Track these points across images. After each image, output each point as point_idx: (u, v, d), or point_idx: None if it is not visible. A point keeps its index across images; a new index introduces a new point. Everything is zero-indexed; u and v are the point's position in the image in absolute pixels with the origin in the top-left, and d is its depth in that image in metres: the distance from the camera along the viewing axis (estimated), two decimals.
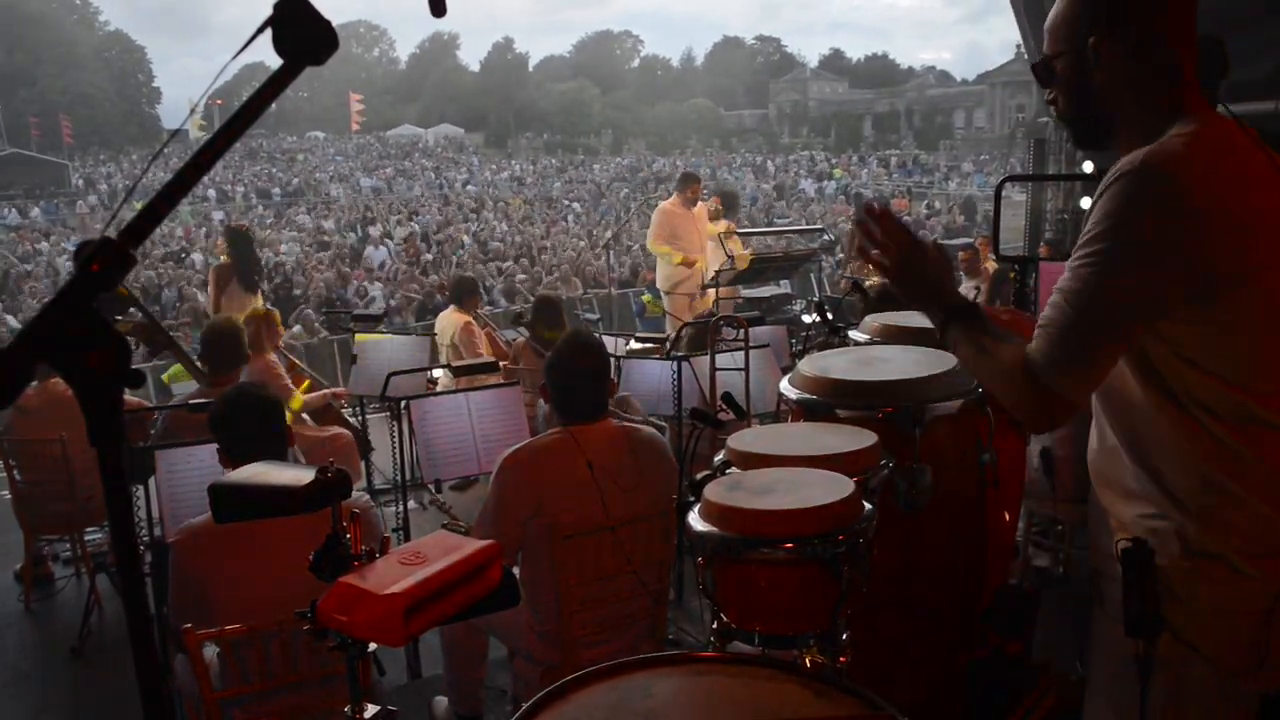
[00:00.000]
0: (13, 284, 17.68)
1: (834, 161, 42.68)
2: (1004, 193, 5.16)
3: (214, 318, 5.17)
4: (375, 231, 23.15)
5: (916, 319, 2.91)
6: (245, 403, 2.65)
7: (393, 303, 13.96)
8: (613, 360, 3.54)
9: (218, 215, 29.14)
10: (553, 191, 35.35)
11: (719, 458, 2.15)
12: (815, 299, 8.10)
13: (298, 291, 14.83)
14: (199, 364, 4.43)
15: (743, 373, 4.44)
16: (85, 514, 4.60)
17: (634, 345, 5.86)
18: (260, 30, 0.84)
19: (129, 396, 4.08)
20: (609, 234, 14.98)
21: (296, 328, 11.47)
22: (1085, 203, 8.81)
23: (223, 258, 7.40)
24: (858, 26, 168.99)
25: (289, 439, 2.73)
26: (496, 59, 74.60)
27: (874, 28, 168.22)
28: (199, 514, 2.48)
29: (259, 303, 6.79)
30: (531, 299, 8.17)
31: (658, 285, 8.32)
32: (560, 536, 2.59)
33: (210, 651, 2.30)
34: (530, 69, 74.96)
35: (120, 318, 4.62)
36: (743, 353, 4.47)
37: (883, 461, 2.09)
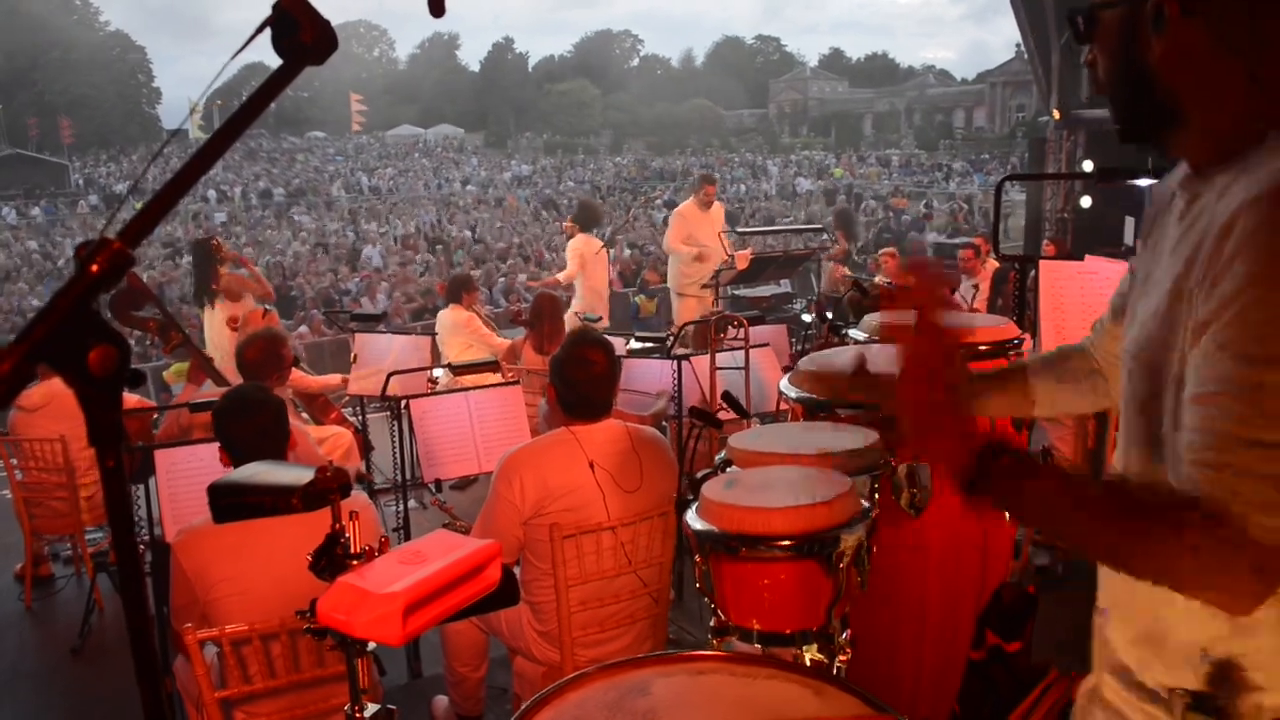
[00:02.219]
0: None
1: (834, 161, 42.70)
2: (1004, 191, 5.16)
3: (256, 331, 5.02)
4: (374, 231, 23.15)
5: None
6: (250, 403, 2.65)
7: (384, 299, 13.96)
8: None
9: (219, 216, 29.16)
10: (556, 190, 35.30)
11: (720, 456, 2.15)
12: (815, 298, 8.10)
13: (296, 293, 14.84)
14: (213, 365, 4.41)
15: (743, 372, 4.44)
16: (85, 513, 4.60)
17: (634, 345, 5.86)
18: (259, 30, 0.83)
19: (129, 395, 4.09)
20: (608, 233, 14.97)
21: (302, 328, 11.47)
22: (1086, 201, 8.81)
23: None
24: (862, 25, 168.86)
25: (291, 440, 2.73)
26: (496, 59, 74.53)
27: (877, 26, 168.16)
28: (199, 514, 2.48)
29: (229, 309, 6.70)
30: (530, 298, 8.14)
31: (669, 286, 8.34)
32: (561, 536, 2.60)
33: (210, 652, 2.30)
34: (530, 69, 74.93)
35: (139, 313, 4.62)
36: (743, 352, 4.47)
37: (883, 460, 2.09)
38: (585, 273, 7.85)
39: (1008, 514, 1.11)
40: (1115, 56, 1.17)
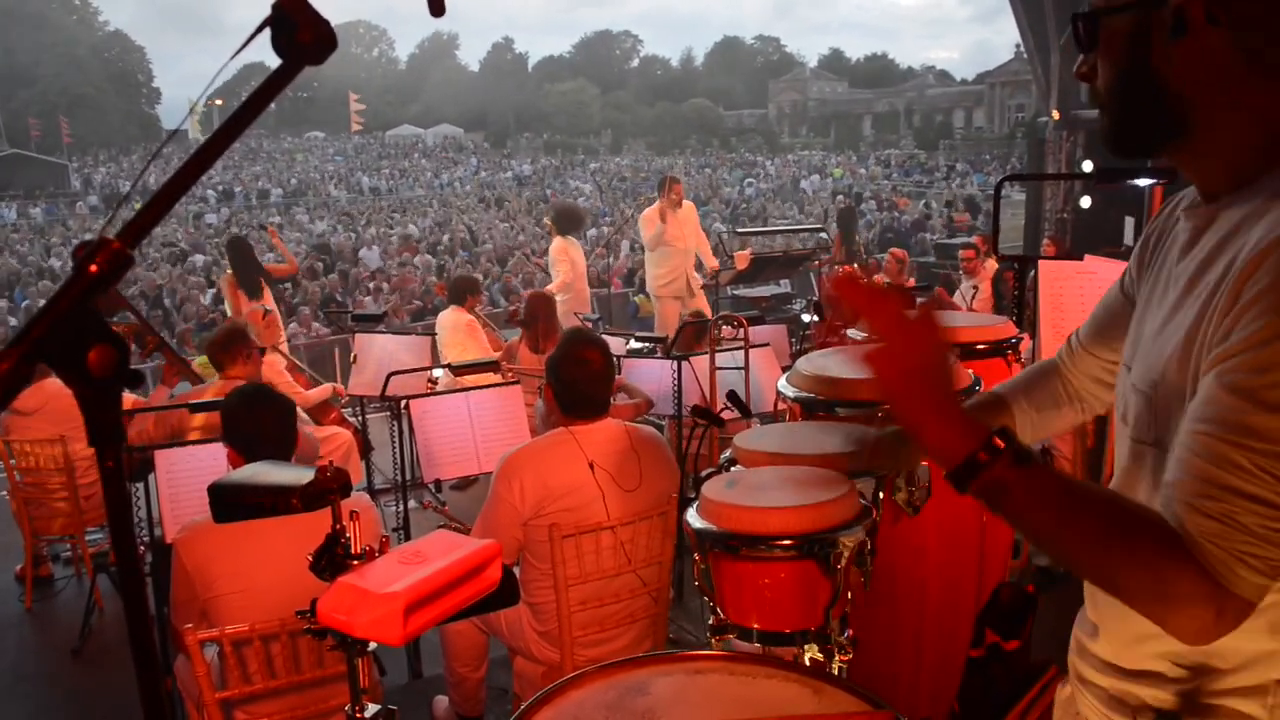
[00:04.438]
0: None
1: (834, 161, 42.72)
2: (1003, 191, 5.16)
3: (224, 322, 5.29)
4: (373, 232, 23.15)
5: None
6: (262, 402, 2.65)
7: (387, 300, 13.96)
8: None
9: (220, 215, 29.17)
10: (562, 190, 35.22)
11: (725, 455, 2.16)
12: (814, 298, 8.10)
13: (296, 293, 14.83)
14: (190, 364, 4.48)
15: (742, 372, 4.44)
16: (85, 514, 4.60)
17: (633, 344, 5.86)
18: (258, 31, 0.83)
19: (128, 396, 4.10)
20: (609, 233, 15.00)
21: (293, 325, 11.47)
22: (1085, 201, 8.81)
23: (227, 270, 7.44)
24: (869, 26, 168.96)
25: (298, 440, 2.74)
26: (496, 59, 74.60)
27: (883, 27, 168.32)
28: (199, 514, 2.48)
29: (263, 305, 6.84)
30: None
31: (647, 289, 8.31)
32: (560, 536, 2.60)
33: (210, 652, 2.30)
34: (530, 69, 74.98)
35: (112, 320, 4.62)
36: (743, 352, 4.47)
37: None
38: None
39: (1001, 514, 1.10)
40: (1120, 65, 1.10)
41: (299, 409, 4.05)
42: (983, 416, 1.46)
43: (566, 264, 7.68)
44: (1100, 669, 1.21)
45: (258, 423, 2.59)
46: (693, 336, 5.32)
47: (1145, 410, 1.14)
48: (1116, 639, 1.18)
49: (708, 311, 7.39)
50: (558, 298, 7.09)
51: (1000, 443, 1.05)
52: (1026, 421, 1.49)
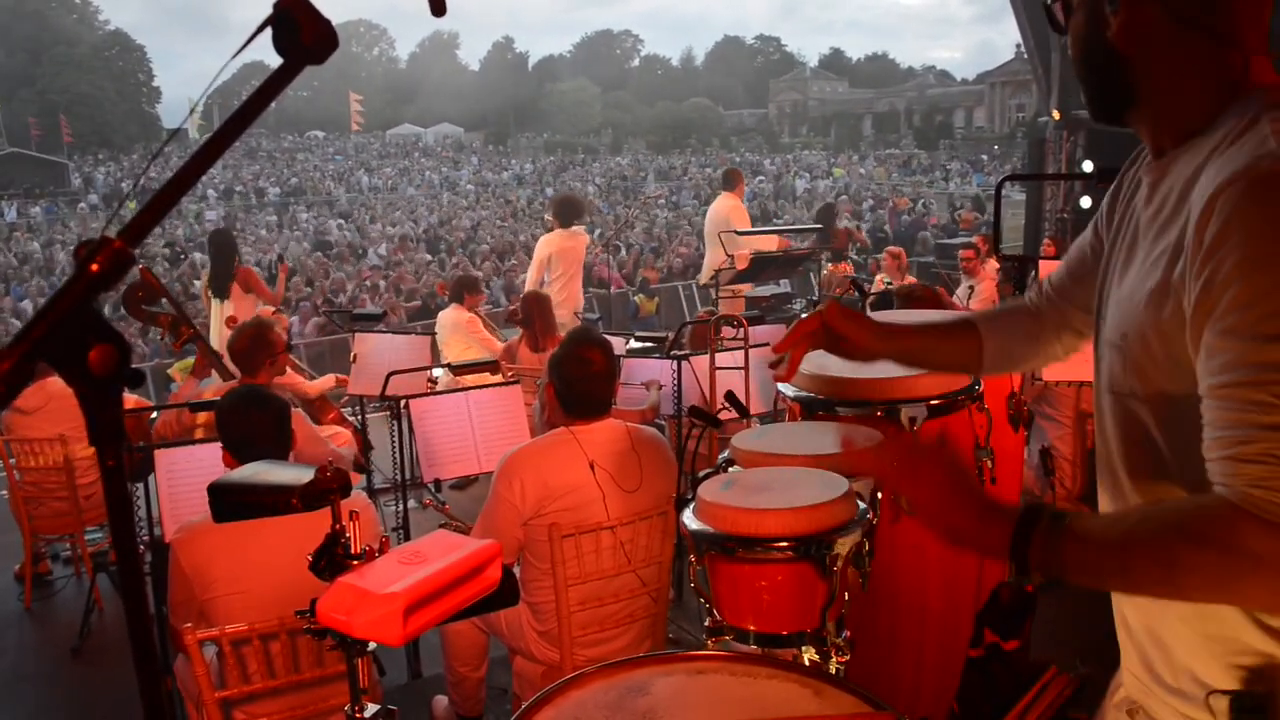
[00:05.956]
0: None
1: (834, 161, 42.72)
2: (1003, 191, 5.16)
3: (244, 322, 5.13)
4: (374, 230, 23.15)
5: (915, 318, 2.90)
6: (256, 404, 2.65)
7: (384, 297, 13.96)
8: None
9: (217, 214, 29.16)
10: (561, 189, 35.20)
11: (723, 456, 2.15)
12: (814, 298, 8.10)
13: (294, 292, 14.83)
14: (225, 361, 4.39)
15: (742, 372, 4.44)
16: (85, 513, 4.60)
17: (634, 344, 5.86)
18: (259, 30, 0.83)
19: (129, 396, 4.09)
20: (609, 233, 15.01)
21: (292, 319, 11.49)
22: (1085, 201, 8.81)
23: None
24: (870, 25, 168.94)
25: (294, 440, 2.74)
26: (497, 58, 74.61)
27: (886, 25, 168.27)
28: (199, 514, 2.48)
29: (234, 307, 6.72)
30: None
31: (701, 279, 8.51)
32: (560, 535, 2.60)
33: (209, 651, 2.30)
34: (530, 68, 74.99)
35: (151, 308, 4.60)
36: (742, 352, 4.47)
37: None
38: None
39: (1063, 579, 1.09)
40: (1079, 38, 1.20)
41: (305, 417, 4.02)
42: (948, 338, 1.57)
43: (564, 262, 7.53)
44: (1170, 668, 1.17)
45: (251, 425, 2.59)
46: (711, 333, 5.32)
47: (1118, 361, 1.17)
48: (1185, 641, 1.14)
49: (740, 307, 7.45)
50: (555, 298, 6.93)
51: (1033, 528, 1.05)
52: (995, 351, 1.54)
